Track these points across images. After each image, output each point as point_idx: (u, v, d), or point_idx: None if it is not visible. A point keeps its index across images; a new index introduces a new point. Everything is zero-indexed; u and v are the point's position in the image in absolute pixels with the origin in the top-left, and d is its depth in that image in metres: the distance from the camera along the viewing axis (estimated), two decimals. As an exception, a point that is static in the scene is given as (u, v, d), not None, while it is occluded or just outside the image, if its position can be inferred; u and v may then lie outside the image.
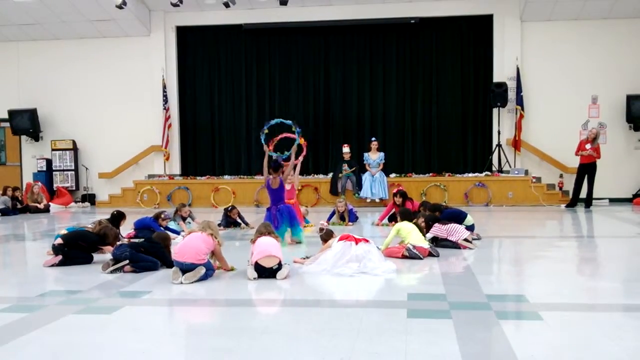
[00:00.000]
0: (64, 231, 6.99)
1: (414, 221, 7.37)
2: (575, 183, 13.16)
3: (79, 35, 15.93)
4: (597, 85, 14.61)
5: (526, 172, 14.19)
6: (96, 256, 6.85)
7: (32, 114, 15.96)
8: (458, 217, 8.02)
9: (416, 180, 14.26)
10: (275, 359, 3.52)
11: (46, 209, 14.34)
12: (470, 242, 7.39)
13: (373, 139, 14.29)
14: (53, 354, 3.69)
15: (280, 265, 5.68)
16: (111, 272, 6.06)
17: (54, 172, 16.11)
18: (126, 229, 8.61)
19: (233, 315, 4.63)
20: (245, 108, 16.02)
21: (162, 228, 8.37)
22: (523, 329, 4.17)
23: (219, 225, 9.67)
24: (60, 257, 6.59)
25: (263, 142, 8.77)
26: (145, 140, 15.81)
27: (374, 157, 14.07)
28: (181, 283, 5.48)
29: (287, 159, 8.62)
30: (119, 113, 15.96)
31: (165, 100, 15.62)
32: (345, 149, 14.23)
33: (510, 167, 14.43)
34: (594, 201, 13.13)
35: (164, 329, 4.39)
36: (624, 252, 7.54)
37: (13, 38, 16.17)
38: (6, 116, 16.02)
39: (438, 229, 7.41)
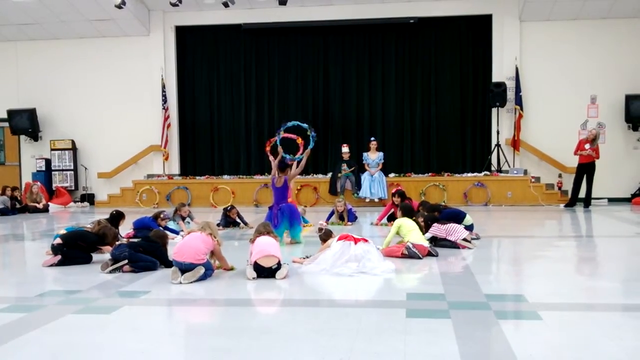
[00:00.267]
0: (63, 231, 6.99)
1: (413, 219, 7.38)
2: (574, 183, 13.18)
3: (78, 35, 15.93)
4: (596, 85, 14.62)
5: (525, 172, 14.20)
6: (95, 256, 6.85)
7: (31, 113, 15.96)
8: (457, 217, 8.03)
9: (415, 180, 14.26)
10: (275, 359, 3.52)
11: (45, 209, 14.34)
12: (469, 242, 7.39)
13: (372, 138, 14.29)
14: (52, 354, 3.69)
15: (279, 265, 5.68)
16: (110, 272, 6.05)
17: (53, 172, 16.11)
18: (125, 228, 8.61)
19: (232, 315, 4.63)
20: (245, 108, 16.03)
21: (161, 228, 8.35)
22: (522, 328, 4.17)
23: (218, 225, 9.68)
24: (59, 257, 6.58)
25: (278, 143, 8.77)
26: (144, 140, 15.81)
27: (373, 156, 14.08)
28: (180, 283, 5.48)
29: (299, 162, 8.66)
30: (118, 113, 15.96)
31: (165, 100, 15.62)
32: (345, 149, 14.23)
33: (509, 167, 14.44)
34: (592, 201, 13.14)
35: (163, 329, 4.39)
36: (622, 252, 7.54)
37: (12, 38, 16.16)
38: (5, 116, 16.02)
39: (437, 229, 7.41)
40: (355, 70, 15.67)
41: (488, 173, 14.37)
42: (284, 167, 8.24)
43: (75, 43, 16.12)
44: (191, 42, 16.21)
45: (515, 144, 14.52)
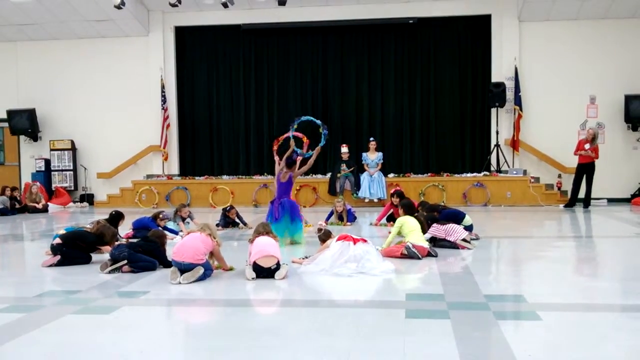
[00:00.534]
0: (62, 231, 6.99)
1: (415, 215, 7.37)
2: (573, 183, 13.18)
3: (78, 35, 15.92)
4: (595, 85, 14.62)
5: (524, 172, 14.19)
6: (94, 256, 6.85)
7: (30, 114, 15.95)
8: (456, 217, 8.02)
9: (414, 180, 14.26)
10: (274, 359, 3.52)
11: (44, 209, 14.33)
12: (469, 242, 7.39)
13: (371, 139, 14.29)
14: (51, 354, 3.69)
15: (278, 265, 5.68)
16: (109, 272, 6.05)
17: (52, 172, 16.09)
18: (124, 229, 8.61)
19: (231, 316, 4.63)
20: (244, 108, 16.03)
21: (160, 228, 8.36)
22: (521, 329, 4.17)
23: (217, 225, 9.69)
24: (58, 257, 6.58)
25: (291, 137, 8.80)
26: (143, 140, 15.81)
27: (372, 157, 14.08)
28: (179, 283, 5.48)
29: (308, 158, 8.68)
30: (117, 113, 15.96)
31: (164, 100, 15.62)
32: (344, 149, 14.22)
33: (508, 167, 14.44)
34: (592, 201, 13.15)
35: (162, 329, 4.39)
36: (622, 252, 7.55)
37: (12, 38, 16.15)
38: (5, 116, 16.01)
39: (436, 229, 7.41)
40: (355, 70, 15.68)
41: (487, 173, 14.37)
42: (291, 163, 8.25)
43: (74, 43, 16.12)
44: (190, 42, 16.21)
45: (515, 144, 14.53)
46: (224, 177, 15.32)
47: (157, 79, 15.68)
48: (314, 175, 14.88)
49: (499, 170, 14.45)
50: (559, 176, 14.41)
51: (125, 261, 6.06)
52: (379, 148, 14.26)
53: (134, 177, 15.64)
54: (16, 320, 4.44)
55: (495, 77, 14.83)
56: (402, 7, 14.99)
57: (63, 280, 6.02)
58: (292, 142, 8.62)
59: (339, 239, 6.09)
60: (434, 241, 7.33)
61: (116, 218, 8.01)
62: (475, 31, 15.28)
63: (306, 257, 6.40)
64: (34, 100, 16.18)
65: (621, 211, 12.40)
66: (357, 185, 13.94)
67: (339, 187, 14.06)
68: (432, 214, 8.00)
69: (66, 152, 16.05)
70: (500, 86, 14.44)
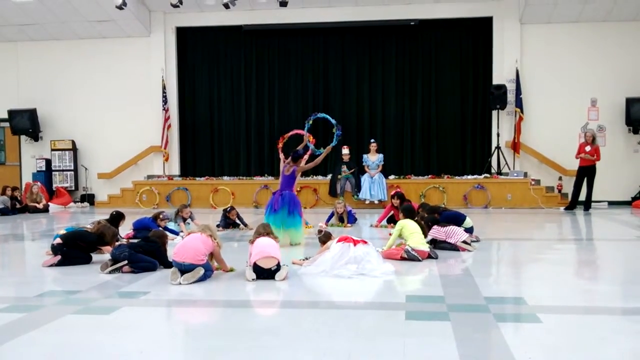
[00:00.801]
0: (62, 231, 7.00)
1: (416, 219, 7.37)
2: (574, 186, 13.18)
3: (79, 35, 15.94)
4: (596, 88, 14.62)
5: (525, 175, 14.19)
6: (95, 256, 6.85)
7: (31, 114, 15.96)
8: (457, 219, 8.02)
9: (415, 182, 14.26)
10: (274, 360, 3.52)
11: (45, 209, 14.34)
12: (469, 245, 7.39)
13: (372, 140, 14.30)
14: (51, 354, 3.69)
15: (278, 266, 5.68)
16: (110, 272, 6.05)
17: (53, 172, 16.10)
18: (125, 229, 8.61)
19: (231, 316, 4.63)
20: (245, 109, 16.04)
21: (160, 228, 8.36)
22: (521, 331, 4.17)
23: (218, 226, 9.69)
24: (59, 257, 6.59)
25: (306, 130, 8.84)
26: (144, 141, 15.82)
27: (373, 158, 14.08)
28: (180, 284, 5.48)
29: (317, 156, 8.74)
30: (118, 113, 15.97)
31: (165, 101, 15.63)
32: (345, 151, 14.23)
33: (509, 169, 14.44)
34: (593, 204, 13.15)
35: (162, 330, 4.39)
36: (622, 255, 7.55)
37: (13, 38, 16.16)
38: (6, 116, 16.02)
39: (437, 231, 7.41)
40: (356, 72, 15.68)
41: (488, 175, 14.35)
42: (296, 157, 8.25)
43: (75, 44, 16.13)
44: (192, 43, 16.22)
45: (516, 146, 14.53)
46: (225, 177, 15.32)
47: (158, 79, 15.69)
48: (314, 177, 14.88)
49: (499, 173, 14.45)
50: (560, 179, 14.41)
51: (126, 261, 6.06)
52: (379, 150, 14.26)
53: (135, 177, 15.65)
54: (16, 320, 4.44)
55: (496, 80, 14.83)
56: (404, 9, 14.99)
57: (63, 280, 6.02)
58: (306, 137, 8.64)
59: (339, 241, 6.09)
60: (435, 243, 7.32)
61: (117, 218, 8.02)
62: (476, 33, 15.29)
63: (306, 259, 6.39)
64: (35, 100, 16.19)
65: (622, 214, 12.39)
66: (357, 187, 13.94)
67: (339, 188, 14.07)
68: (433, 215, 8.00)
69: (67, 152, 16.06)
70: (502, 88, 14.44)
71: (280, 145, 9.42)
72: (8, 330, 4.15)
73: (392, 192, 10.44)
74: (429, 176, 14.59)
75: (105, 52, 16.02)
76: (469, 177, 14.38)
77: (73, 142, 16.15)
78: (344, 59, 15.70)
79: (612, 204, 14.15)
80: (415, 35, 15.40)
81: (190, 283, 5.50)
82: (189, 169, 16.24)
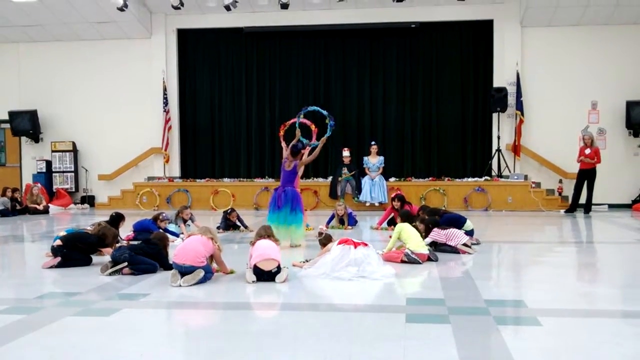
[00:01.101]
0: (63, 233, 6.99)
1: (413, 224, 7.37)
2: (574, 188, 13.17)
3: (80, 37, 15.95)
4: (596, 91, 14.63)
5: (526, 177, 14.19)
6: (95, 258, 6.84)
7: (32, 115, 15.97)
8: (457, 222, 8.02)
9: (416, 184, 14.26)
10: (274, 363, 3.52)
11: (45, 211, 14.35)
12: (469, 247, 7.38)
13: (373, 142, 14.30)
14: (51, 356, 3.68)
15: (279, 269, 5.68)
16: (110, 274, 6.05)
17: (53, 174, 16.10)
18: (125, 231, 8.60)
19: (231, 318, 4.63)
20: (245, 111, 16.05)
21: (161, 230, 8.36)
22: (521, 334, 4.17)
23: (218, 228, 9.70)
24: (59, 259, 6.58)
25: (297, 125, 8.82)
26: (145, 143, 15.83)
27: (374, 161, 14.08)
28: (180, 286, 5.47)
29: (314, 148, 8.68)
30: (119, 115, 15.98)
31: (166, 103, 15.64)
32: (345, 153, 14.23)
33: (509, 172, 14.44)
34: (593, 207, 13.14)
35: (162, 332, 4.39)
36: (623, 258, 7.54)
37: (14, 39, 16.18)
38: (6, 117, 16.03)
39: (437, 234, 7.40)
40: (357, 74, 15.69)
41: (488, 178, 14.35)
42: (296, 152, 8.23)
43: (76, 45, 16.14)
44: (193, 45, 16.24)
45: (516, 149, 14.53)
46: (225, 179, 15.32)
47: (159, 81, 15.70)
48: (315, 179, 14.91)
49: (500, 175, 14.45)
50: (560, 181, 14.40)
51: (126, 263, 6.06)
52: (380, 152, 14.27)
53: (135, 179, 15.66)
54: (16, 321, 4.44)
55: (497, 82, 14.84)
56: (404, 11, 14.98)
57: (63, 282, 6.02)
58: (298, 132, 8.62)
59: (339, 243, 6.08)
60: (435, 245, 7.32)
61: (117, 220, 8.02)
62: (477, 36, 15.30)
63: (307, 261, 6.39)
64: (36, 101, 16.20)
65: (622, 217, 12.38)
66: (358, 189, 13.94)
67: (340, 190, 14.06)
68: (434, 218, 7.99)
69: (67, 153, 16.06)
70: (502, 91, 14.45)
71: (282, 133, 9.36)
72: (7, 332, 4.15)
73: (393, 195, 10.43)
74: (430, 179, 14.60)
75: (106, 53, 16.04)
76: (470, 179, 14.38)
77: (73, 144, 16.16)
78: (345, 61, 15.71)
79: (612, 206, 14.15)
80: (416, 37, 15.42)
81: (191, 285, 5.49)
82: (189, 170, 16.24)
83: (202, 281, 5.58)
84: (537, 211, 13.42)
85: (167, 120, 15.62)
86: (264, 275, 5.62)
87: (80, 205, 15.77)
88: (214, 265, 5.99)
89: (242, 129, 16.05)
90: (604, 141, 14.48)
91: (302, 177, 12.22)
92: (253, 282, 5.60)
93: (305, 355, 3.63)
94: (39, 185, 14.96)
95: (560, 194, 14.27)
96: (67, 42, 16.14)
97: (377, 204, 13.69)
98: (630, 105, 14.26)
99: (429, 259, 6.73)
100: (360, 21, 15.17)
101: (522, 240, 9.30)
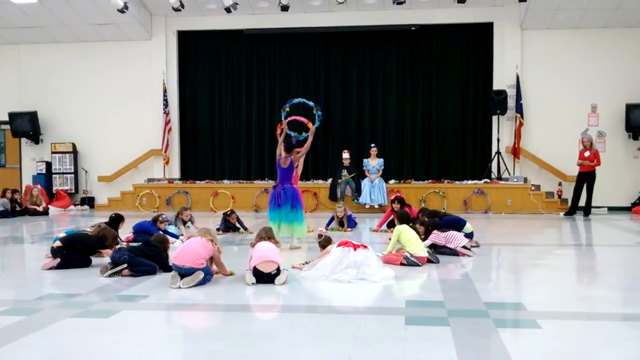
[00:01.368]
0: (62, 234, 6.99)
1: (410, 225, 7.35)
2: (574, 191, 13.18)
3: (80, 38, 15.97)
4: (596, 94, 14.64)
5: (525, 180, 14.20)
6: (94, 260, 6.84)
7: (32, 116, 15.98)
8: (457, 224, 8.02)
9: (415, 186, 14.26)
10: (273, 365, 3.52)
11: (45, 212, 14.34)
12: (469, 250, 7.38)
13: (372, 145, 14.31)
14: (50, 358, 3.68)
15: (278, 271, 5.68)
16: (109, 275, 6.05)
17: (53, 175, 16.11)
18: (125, 232, 8.60)
19: (231, 320, 4.63)
20: (246, 113, 16.06)
21: (160, 231, 8.37)
22: (521, 337, 4.16)
23: (218, 229, 9.69)
24: (58, 260, 6.58)
25: (283, 118, 8.77)
26: (145, 144, 15.84)
27: (373, 163, 14.09)
28: (179, 287, 5.47)
29: (304, 140, 8.62)
30: (119, 116, 15.99)
31: (166, 104, 15.65)
32: (345, 155, 14.23)
33: (509, 174, 14.45)
34: (592, 209, 13.14)
35: (161, 334, 4.38)
36: (622, 261, 7.53)
37: (14, 41, 16.19)
38: (7, 118, 16.04)
39: (437, 236, 7.40)
40: (357, 76, 15.71)
41: (488, 181, 14.37)
42: (290, 148, 8.20)
43: (77, 46, 16.16)
44: (193, 46, 16.26)
45: (516, 151, 14.54)
46: (225, 181, 15.33)
47: (159, 82, 15.71)
48: (314, 181, 14.91)
49: (499, 178, 14.45)
50: (560, 184, 14.41)
51: (125, 265, 6.06)
52: (380, 154, 14.27)
53: (135, 180, 15.65)
54: (15, 323, 4.44)
55: (496, 85, 14.85)
56: (405, 14, 15.01)
57: (63, 283, 6.01)
58: (284, 126, 8.58)
59: (339, 245, 6.08)
60: (435, 248, 7.32)
61: (116, 221, 8.01)
62: (477, 39, 15.32)
63: (306, 263, 6.40)
64: (36, 102, 16.20)
65: (621, 220, 12.39)
66: (357, 191, 13.94)
67: (339, 192, 14.06)
68: (434, 220, 7.99)
69: (67, 155, 16.07)
70: (502, 94, 14.46)
71: (279, 131, 9.33)
72: (7, 333, 4.15)
73: (392, 197, 10.44)
74: (429, 181, 14.61)
75: (106, 55, 16.05)
76: (469, 182, 14.39)
77: (73, 145, 16.17)
78: (345, 63, 15.73)
79: (611, 209, 14.16)
80: (416, 40, 15.43)
81: (190, 287, 5.49)
82: (189, 172, 16.25)
83: (201, 283, 5.58)
84: (537, 214, 13.43)
85: (167, 122, 15.63)
86: (263, 277, 5.62)
87: (80, 206, 15.77)
88: (214, 267, 5.99)
89: (242, 130, 16.06)
90: (604, 144, 14.49)
91: (301, 179, 12.23)
92: (253, 284, 5.60)
93: (304, 357, 3.63)
94: (38, 186, 14.96)
95: (559, 196, 14.28)
96: (68, 43, 16.15)
97: (376, 206, 13.68)
98: (630, 108, 14.27)
99: (429, 261, 6.73)
100: (360, 24, 15.19)
101: (522, 243, 9.30)
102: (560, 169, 14.47)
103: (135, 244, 7.18)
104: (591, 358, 3.62)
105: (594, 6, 13.75)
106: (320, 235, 6.78)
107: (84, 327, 4.38)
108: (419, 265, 6.57)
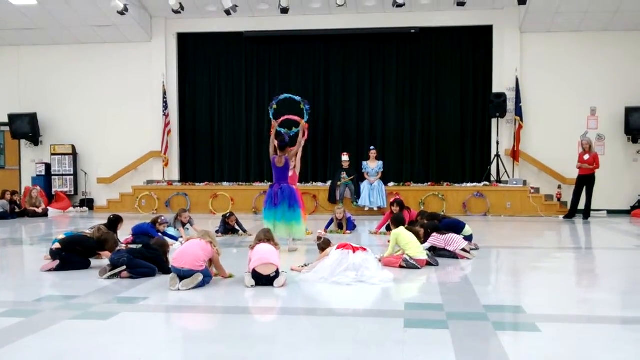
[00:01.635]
0: (61, 236, 6.98)
1: (407, 226, 7.34)
2: (573, 194, 13.18)
3: (80, 40, 15.97)
4: (596, 97, 14.66)
5: (524, 183, 14.19)
6: (93, 261, 6.83)
7: (32, 118, 15.98)
8: (456, 227, 8.02)
9: (415, 189, 14.27)
10: (272, 368, 3.52)
11: (44, 214, 14.33)
12: (468, 252, 7.38)
13: (372, 147, 14.31)
14: (49, 359, 3.68)
15: (277, 273, 5.67)
16: (108, 277, 6.04)
17: (52, 177, 16.11)
18: (124, 234, 8.60)
19: (230, 323, 4.62)
20: (245, 115, 16.07)
21: (159, 233, 8.37)
22: (520, 340, 4.16)
23: (217, 231, 9.69)
24: (57, 262, 6.57)
25: (271, 117, 8.71)
26: (144, 146, 15.85)
27: (373, 165, 14.09)
28: (178, 289, 5.47)
29: (295, 136, 8.56)
30: (118, 118, 16.00)
31: (165, 106, 15.65)
32: (344, 157, 14.24)
33: (508, 177, 14.46)
34: (592, 212, 13.15)
35: (160, 336, 4.38)
36: (621, 264, 7.53)
37: (14, 42, 16.20)
38: (6, 120, 16.04)
39: (436, 239, 7.40)
40: (356, 79, 15.72)
41: (487, 183, 14.37)
42: (283, 146, 8.12)
43: (76, 48, 16.17)
44: (193, 49, 16.27)
45: (515, 154, 14.55)
46: (224, 183, 15.33)
47: (159, 84, 15.72)
48: (314, 183, 14.92)
49: (499, 181, 14.46)
50: (559, 187, 14.42)
51: (125, 267, 6.05)
52: (379, 157, 14.28)
53: (134, 182, 15.65)
54: (14, 324, 4.43)
55: (496, 88, 14.87)
56: (404, 16, 15.03)
57: (62, 285, 6.01)
58: (274, 122, 8.51)
59: (338, 248, 6.08)
60: (434, 250, 7.32)
61: (115, 222, 8.00)
62: (476, 41, 15.34)
63: (305, 265, 6.39)
64: (36, 104, 16.21)
65: (621, 223, 12.39)
66: (357, 194, 13.95)
67: (339, 195, 14.07)
68: (433, 222, 7.99)
69: (67, 156, 16.07)
70: (501, 97, 14.48)
71: (273, 132, 9.28)
72: (5, 335, 4.14)
73: (392, 199, 10.44)
74: (429, 183, 14.61)
75: (106, 57, 16.07)
76: (469, 184, 14.40)
77: (73, 147, 16.17)
78: (345, 65, 15.74)
79: (611, 212, 14.15)
80: (416, 43, 15.45)
81: (189, 289, 5.49)
82: (188, 174, 16.25)
83: (200, 285, 5.58)
84: (536, 217, 13.43)
85: (166, 124, 15.63)
86: (262, 280, 5.62)
87: (79, 208, 15.77)
88: (213, 269, 5.99)
89: (241, 133, 16.07)
90: (603, 147, 14.51)
91: (300, 181, 12.23)
92: (252, 286, 5.59)
93: (303, 359, 3.63)
94: (38, 188, 14.94)
95: (559, 199, 14.29)
96: (67, 45, 16.16)
97: (376, 209, 13.68)
98: (629, 112, 14.28)
99: (429, 264, 6.73)
100: (360, 26, 15.21)
101: (521, 246, 9.30)
102: (559, 171, 14.48)
103: (134, 246, 7.18)
104: (590, 361, 3.62)
105: (594, 9, 13.77)
106: (319, 238, 6.77)
107: (83, 329, 4.38)
108: (418, 268, 6.57)
